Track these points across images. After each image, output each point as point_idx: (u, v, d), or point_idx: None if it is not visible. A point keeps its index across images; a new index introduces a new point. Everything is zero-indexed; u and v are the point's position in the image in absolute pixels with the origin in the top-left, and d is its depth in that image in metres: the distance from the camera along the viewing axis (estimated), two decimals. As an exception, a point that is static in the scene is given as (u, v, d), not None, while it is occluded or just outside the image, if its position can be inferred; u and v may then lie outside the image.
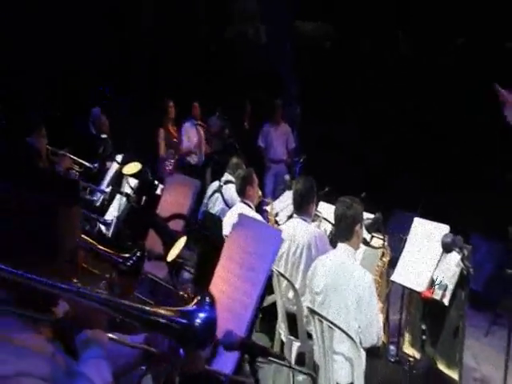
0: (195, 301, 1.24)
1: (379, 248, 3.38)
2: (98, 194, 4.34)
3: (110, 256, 1.93)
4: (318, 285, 2.90)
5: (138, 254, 1.96)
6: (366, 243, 3.27)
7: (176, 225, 2.30)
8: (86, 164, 4.86)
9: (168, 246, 2.00)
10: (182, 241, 2.03)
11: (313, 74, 8.52)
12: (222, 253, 1.97)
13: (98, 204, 4.38)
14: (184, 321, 1.20)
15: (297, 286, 3.46)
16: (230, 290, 1.82)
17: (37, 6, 6.95)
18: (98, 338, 1.23)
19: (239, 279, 1.82)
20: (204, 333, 1.21)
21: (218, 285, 1.89)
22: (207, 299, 1.24)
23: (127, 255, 1.95)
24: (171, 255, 2.03)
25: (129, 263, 1.94)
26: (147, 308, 1.22)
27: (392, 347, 3.89)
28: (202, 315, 1.20)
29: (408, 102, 8.17)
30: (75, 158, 4.85)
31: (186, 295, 1.96)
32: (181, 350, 1.28)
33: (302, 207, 3.62)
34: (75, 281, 1.25)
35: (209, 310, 1.22)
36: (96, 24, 7.48)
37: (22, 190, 1.17)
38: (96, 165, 4.89)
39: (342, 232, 2.90)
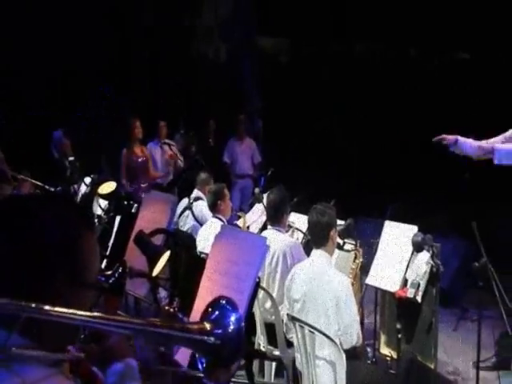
0: (211, 309, 1.11)
1: (352, 251, 3.48)
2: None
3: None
4: (297, 292, 2.94)
5: (120, 271, 1.94)
6: (340, 247, 3.36)
7: (156, 240, 2.31)
8: (48, 188, 4.65)
9: (153, 261, 2.01)
10: (166, 255, 2.05)
11: (273, 88, 8.70)
12: (207, 265, 1.98)
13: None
14: (219, 331, 1.06)
15: (274, 294, 3.49)
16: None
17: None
18: (132, 367, 1.18)
19: (226, 289, 1.83)
20: (239, 339, 1.07)
21: (205, 297, 1.90)
22: (224, 301, 1.11)
23: (109, 272, 1.94)
24: (156, 270, 2.03)
25: (111, 280, 1.93)
26: (179, 326, 1.11)
27: (368, 349, 3.98)
28: (232, 318, 1.07)
29: (367, 109, 8.45)
30: (36, 182, 4.67)
31: (172, 310, 1.95)
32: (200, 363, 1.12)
33: (277, 218, 3.67)
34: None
35: (234, 310, 1.09)
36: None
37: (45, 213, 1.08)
38: (59, 189, 4.74)
39: (318, 238, 2.95)
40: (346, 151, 8.23)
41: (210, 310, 1.10)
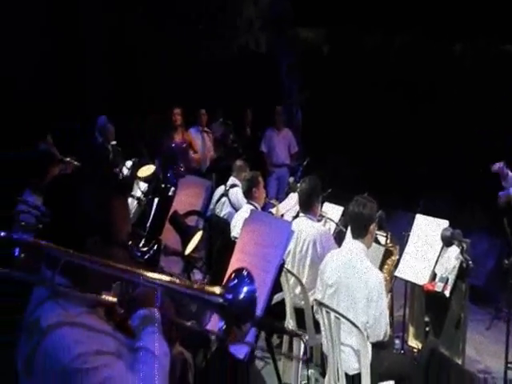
0: (234, 275, 1.32)
1: (388, 247, 3.50)
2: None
3: (131, 248, 2.05)
4: (331, 277, 2.97)
5: (155, 248, 2.08)
6: (378, 242, 3.38)
7: (190, 221, 2.42)
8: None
9: (186, 240, 2.13)
10: (199, 235, 2.16)
11: (314, 79, 8.68)
12: (236, 247, 2.08)
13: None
14: (230, 296, 1.29)
15: (304, 281, 3.57)
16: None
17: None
18: (154, 315, 1.34)
19: (254, 268, 1.93)
20: (247, 306, 1.29)
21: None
22: (245, 273, 1.32)
23: (145, 249, 2.08)
24: (188, 249, 2.15)
25: (146, 256, 2.07)
26: (197, 287, 1.33)
27: (397, 341, 4.00)
28: (245, 289, 1.29)
29: (409, 102, 8.30)
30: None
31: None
32: (220, 325, 1.35)
33: (308, 206, 3.73)
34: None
35: (250, 283, 1.30)
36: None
37: (84, 184, 1.35)
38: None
39: (357, 230, 2.97)
40: (384, 143, 8.13)
41: (232, 276, 1.33)
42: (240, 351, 1.87)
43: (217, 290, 1.30)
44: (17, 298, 1.38)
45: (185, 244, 2.14)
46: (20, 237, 1.23)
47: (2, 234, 1.21)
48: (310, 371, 3.51)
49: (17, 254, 1.22)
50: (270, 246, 1.90)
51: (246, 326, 1.33)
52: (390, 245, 3.56)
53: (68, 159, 4.96)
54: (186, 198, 2.76)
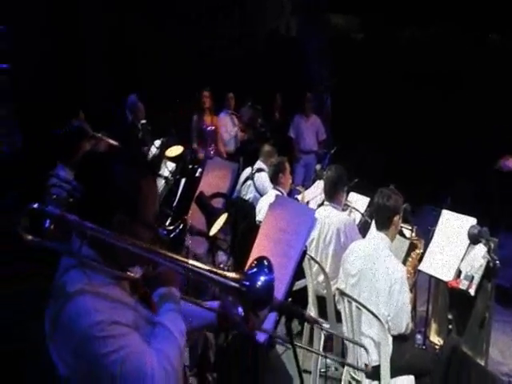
0: (255, 264, 1.36)
1: (413, 240, 3.45)
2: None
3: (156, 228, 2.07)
4: (353, 267, 2.97)
5: (181, 227, 2.10)
6: (403, 235, 3.34)
7: (216, 203, 2.44)
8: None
9: (211, 222, 2.15)
10: (224, 217, 2.18)
11: (345, 67, 8.53)
12: (260, 231, 2.09)
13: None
14: (247, 283, 1.32)
15: (327, 270, 3.56)
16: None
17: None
18: (174, 294, 1.40)
19: (275, 254, 1.94)
20: (264, 293, 1.33)
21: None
22: (266, 262, 1.35)
23: (171, 227, 2.10)
24: (213, 230, 2.17)
25: (172, 235, 2.09)
26: (217, 271, 1.36)
27: (419, 336, 3.96)
28: (262, 278, 1.32)
29: (439, 95, 8.09)
30: (112, 141, 5.02)
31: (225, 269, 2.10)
32: (239, 310, 1.40)
33: (333, 195, 3.71)
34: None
35: (268, 272, 1.34)
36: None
37: (115, 162, 1.38)
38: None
39: (381, 221, 2.95)
40: (414, 134, 7.96)
41: (253, 264, 1.37)
42: (261, 335, 1.88)
43: (236, 275, 1.34)
44: (47, 265, 1.42)
45: (210, 225, 2.16)
46: (50, 209, 1.27)
47: (35, 205, 1.25)
48: (329, 360, 3.52)
49: (47, 225, 1.26)
50: (293, 232, 1.91)
51: (263, 313, 1.39)
52: (415, 238, 3.51)
53: (99, 135, 5.05)
54: (212, 180, 2.78)
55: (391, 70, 8.62)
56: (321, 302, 3.57)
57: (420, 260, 3.46)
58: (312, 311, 3.63)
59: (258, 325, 1.42)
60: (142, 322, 1.33)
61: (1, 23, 6.20)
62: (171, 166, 4.03)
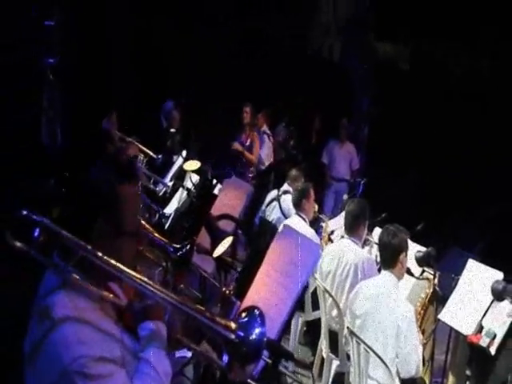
0: (245, 314, 1.27)
1: (424, 279, 3.30)
2: (161, 185, 4.50)
3: (163, 244, 2.03)
4: (359, 308, 2.91)
5: (188, 247, 2.05)
6: (412, 275, 3.19)
7: (227, 226, 2.38)
8: (152, 154, 5.04)
9: (215, 243, 2.09)
10: (229, 240, 2.11)
11: (386, 96, 8.37)
12: (265, 259, 2.04)
13: (160, 194, 4.54)
14: (242, 334, 1.23)
15: (341, 305, 3.45)
16: (267, 295, 1.89)
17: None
18: (161, 331, 1.31)
19: (276, 285, 1.90)
20: (256, 347, 1.23)
21: (257, 288, 1.96)
22: (257, 312, 1.26)
23: (178, 246, 2.05)
24: (217, 252, 2.11)
25: (179, 253, 2.04)
26: (209, 315, 1.27)
27: (435, 387, 3.75)
28: (257, 330, 1.23)
29: (484, 132, 7.77)
30: (142, 146, 5.06)
31: (228, 293, 2.04)
32: (224, 359, 1.30)
33: (353, 228, 3.61)
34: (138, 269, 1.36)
35: (261, 324, 1.24)
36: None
37: (90, 169, 1.35)
38: (160, 156, 5.06)
39: (386, 260, 2.91)
40: (452, 173, 7.68)
41: (243, 314, 1.27)
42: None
43: (229, 323, 1.25)
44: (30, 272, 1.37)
45: (214, 246, 2.11)
46: (40, 219, 1.21)
47: (24, 212, 1.21)
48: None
49: (36, 234, 1.21)
50: (296, 265, 1.86)
51: (250, 367, 1.27)
52: (423, 275, 3.35)
53: (130, 139, 5.09)
54: (227, 200, 2.72)
55: (436, 104, 8.40)
56: (333, 336, 3.48)
57: (430, 299, 3.30)
58: (324, 345, 3.54)
59: (242, 376, 1.30)
60: (128, 357, 1.25)
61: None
62: (195, 178, 4.00)
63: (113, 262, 1.24)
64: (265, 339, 1.25)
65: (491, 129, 7.81)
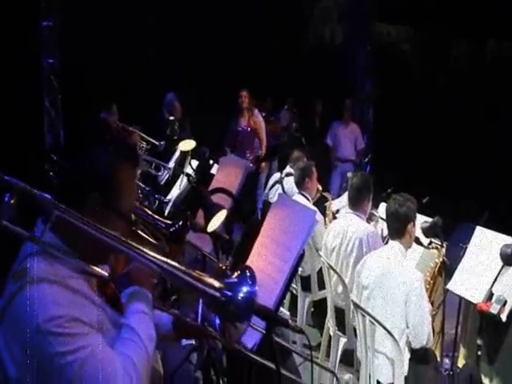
0: (237, 274, 1.24)
1: (433, 249, 3.24)
2: (163, 171, 4.48)
3: (155, 220, 2.00)
4: (366, 279, 2.86)
5: (180, 223, 2.02)
6: (421, 244, 3.14)
7: (224, 202, 2.34)
8: (154, 141, 5.04)
9: (208, 217, 2.06)
10: (223, 213, 2.08)
11: (389, 77, 8.27)
12: (261, 230, 2.01)
13: (162, 183, 4.52)
14: (229, 293, 1.21)
15: (346, 280, 3.40)
16: (263, 266, 1.85)
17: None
18: (145, 294, 1.28)
19: (273, 256, 1.86)
20: (245, 306, 1.21)
21: (254, 260, 1.93)
22: (248, 273, 1.24)
23: (171, 222, 2.02)
24: (211, 226, 2.07)
25: (171, 229, 2.01)
26: (196, 275, 1.24)
27: (447, 360, 3.69)
28: (244, 289, 1.21)
29: (487, 109, 7.68)
30: (143, 135, 5.06)
31: (224, 268, 2.01)
32: (216, 323, 1.30)
33: (357, 203, 3.55)
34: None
35: (251, 284, 1.22)
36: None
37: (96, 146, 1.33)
38: (163, 143, 5.06)
39: (394, 230, 2.84)
40: (454, 150, 7.60)
41: (236, 273, 1.25)
42: (250, 340, 1.76)
43: (216, 283, 1.22)
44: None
45: (207, 221, 2.07)
46: (11, 179, 1.15)
47: None
48: (347, 376, 3.42)
49: (6, 199, 1.13)
50: (292, 233, 1.81)
51: (242, 326, 1.27)
52: (431, 246, 3.29)
53: (131, 128, 5.09)
54: (224, 177, 2.69)
55: (438, 85, 8.29)
56: (339, 313, 3.43)
57: (439, 270, 3.24)
58: (330, 323, 3.49)
59: (235, 337, 1.29)
60: (107, 325, 1.21)
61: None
62: (195, 163, 3.98)
63: (95, 222, 1.20)
64: (254, 298, 1.22)
65: (492, 105, 7.71)
